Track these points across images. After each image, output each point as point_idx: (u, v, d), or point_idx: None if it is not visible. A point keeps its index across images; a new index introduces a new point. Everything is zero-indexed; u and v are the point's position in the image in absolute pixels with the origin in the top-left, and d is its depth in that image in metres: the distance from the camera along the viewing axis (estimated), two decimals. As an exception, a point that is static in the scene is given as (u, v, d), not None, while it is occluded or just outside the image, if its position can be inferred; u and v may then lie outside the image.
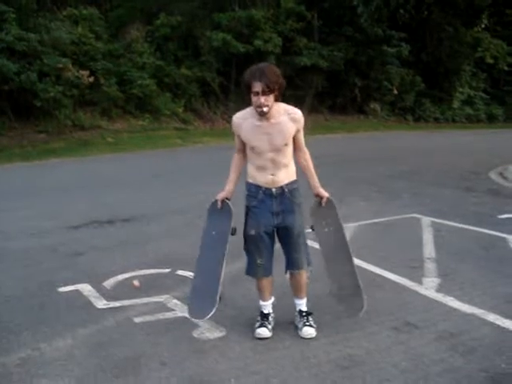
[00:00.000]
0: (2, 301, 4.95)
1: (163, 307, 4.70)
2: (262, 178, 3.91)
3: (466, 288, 5.02)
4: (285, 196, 3.92)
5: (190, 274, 5.43)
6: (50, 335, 4.16)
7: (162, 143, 19.88)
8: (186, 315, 4.46)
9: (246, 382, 3.43)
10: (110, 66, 21.05)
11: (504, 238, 6.71)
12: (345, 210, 8.27)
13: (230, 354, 3.79)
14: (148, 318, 4.49)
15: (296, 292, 4.18)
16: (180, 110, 23.14)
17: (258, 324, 4.08)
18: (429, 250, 6.27)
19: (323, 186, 4.11)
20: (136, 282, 5.30)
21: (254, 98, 3.67)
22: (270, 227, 3.96)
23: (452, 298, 4.77)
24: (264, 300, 4.16)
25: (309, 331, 4.00)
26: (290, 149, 3.91)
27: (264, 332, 4.01)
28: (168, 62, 23.36)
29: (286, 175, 3.92)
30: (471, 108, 32.43)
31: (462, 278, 5.32)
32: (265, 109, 3.67)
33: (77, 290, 5.15)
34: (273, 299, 4.21)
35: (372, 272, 5.54)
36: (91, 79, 19.98)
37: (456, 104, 31.45)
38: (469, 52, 29.47)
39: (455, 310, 4.56)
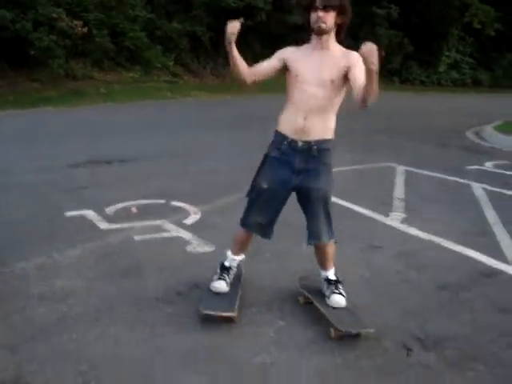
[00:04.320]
0: (12, 223, 5.51)
1: (159, 229, 5.32)
2: (291, 123, 3.38)
3: (427, 221, 5.69)
4: (311, 154, 3.37)
5: (182, 205, 6.09)
6: (61, 247, 4.76)
7: (153, 95, 20.24)
8: (180, 235, 5.13)
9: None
10: (103, 17, 21.19)
11: (468, 185, 7.39)
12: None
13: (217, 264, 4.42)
14: (146, 236, 5.11)
15: (320, 263, 3.74)
16: (170, 64, 23.43)
17: (215, 276, 3.78)
18: (399, 191, 6.94)
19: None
20: (134, 209, 5.90)
21: (312, 15, 3.28)
22: (287, 187, 3.46)
23: (413, 229, 5.46)
24: (235, 253, 3.82)
25: (337, 299, 3.56)
26: (335, 96, 3.36)
27: (221, 286, 3.69)
28: (159, 15, 23.53)
29: (320, 127, 3.36)
30: (457, 72, 32.94)
31: (425, 214, 6.00)
32: (322, 25, 3.24)
33: (82, 215, 5.74)
34: (243, 257, 3.87)
35: (346, 207, 6.18)
36: (84, 30, 20.16)
37: (442, 68, 31.93)
38: (457, 16, 29.79)
39: (415, 236, 5.25)
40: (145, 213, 5.84)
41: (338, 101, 3.41)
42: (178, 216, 5.72)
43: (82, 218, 5.67)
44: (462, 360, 3.14)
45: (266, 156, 3.52)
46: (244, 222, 3.66)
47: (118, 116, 15.58)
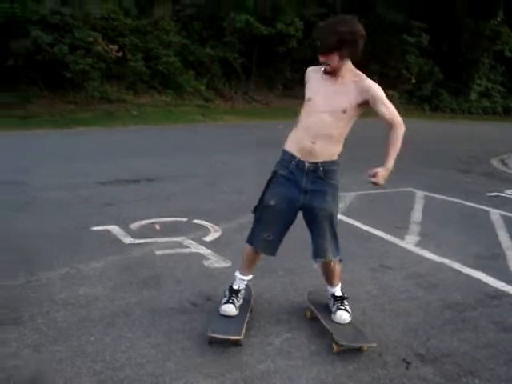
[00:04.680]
0: (41, 235, 5.81)
1: (180, 245, 5.56)
2: (300, 144, 3.48)
3: (441, 245, 5.82)
4: (317, 174, 3.46)
5: (203, 223, 6.32)
6: (85, 259, 5.03)
7: (184, 118, 20.70)
8: (199, 251, 5.35)
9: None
10: (138, 42, 21.89)
11: (486, 211, 7.48)
12: (348, 182, 9.16)
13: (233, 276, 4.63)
14: (167, 251, 5.35)
15: (326, 280, 3.85)
16: (202, 88, 23.94)
17: (224, 299, 3.80)
18: (416, 216, 7.07)
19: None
20: (157, 226, 6.16)
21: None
22: (294, 205, 3.54)
23: (426, 251, 5.59)
24: (243, 274, 3.87)
25: (341, 315, 3.68)
26: (345, 124, 3.47)
27: (230, 310, 3.71)
28: (193, 40, 24.12)
29: (326, 151, 3.45)
30: (488, 100, 32.80)
31: (440, 238, 6.12)
32: (327, 68, 3.37)
33: (107, 230, 6.01)
34: (251, 277, 3.93)
35: (362, 229, 6.36)
36: (119, 54, 20.82)
37: (473, 96, 31.86)
38: (488, 45, 29.81)
39: (427, 259, 5.38)
40: (167, 230, 6.08)
41: (347, 129, 3.50)
42: (198, 233, 5.95)
43: (108, 232, 5.94)
44: (459, 374, 3.27)
45: (275, 173, 3.60)
46: (250, 239, 3.72)
47: (149, 138, 15.99)
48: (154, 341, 3.52)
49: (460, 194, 8.53)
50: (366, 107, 3.44)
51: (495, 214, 7.24)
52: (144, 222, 6.32)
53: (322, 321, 3.72)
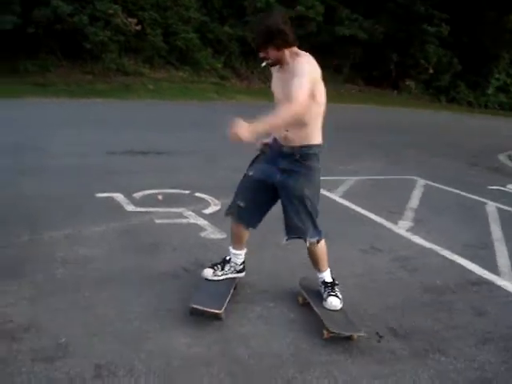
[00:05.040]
0: (48, 199, 6.06)
1: (179, 215, 5.79)
2: (277, 133, 3.65)
3: (432, 232, 5.98)
4: (294, 158, 3.60)
5: (205, 196, 6.54)
6: (87, 223, 5.27)
7: (199, 95, 20.86)
8: (197, 222, 5.57)
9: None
10: (157, 17, 22.01)
11: (484, 203, 7.63)
12: (352, 167, 9.36)
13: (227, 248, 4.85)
14: (166, 220, 5.58)
15: (313, 265, 3.94)
16: (219, 66, 24.06)
17: (209, 264, 4.07)
18: (413, 202, 7.24)
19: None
20: (160, 196, 6.39)
21: None
22: (270, 179, 3.69)
23: (417, 237, 5.76)
24: (233, 247, 4.06)
25: (333, 302, 3.75)
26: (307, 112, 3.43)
27: (208, 273, 3.99)
28: (212, 18, 24.20)
29: (301, 136, 3.54)
30: (506, 96, 32.62)
31: (432, 225, 6.29)
32: (267, 61, 3.49)
33: (111, 197, 6.26)
34: (243, 251, 4.08)
35: (358, 212, 6.56)
36: (138, 27, 20.97)
37: (491, 90, 31.69)
38: (510, 39, 29.54)
39: (417, 244, 5.56)
40: (169, 200, 6.31)
41: (313, 111, 3.48)
42: (198, 206, 6.17)
43: (111, 199, 6.18)
44: (427, 350, 3.46)
45: (261, 151, 3.84)
46: (227, 209, 3.94)
47: (163, 112, 16.20)
48: (144, 300, 3.76)
49: (461, 185, 8.65)
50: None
51: (491, 207, 7.38)
52: (147, 192, 6.55)
53: (314, 307, 3.77)
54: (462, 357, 3.43)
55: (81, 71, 20.53)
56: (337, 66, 25.98)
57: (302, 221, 3.69)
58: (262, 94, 22.89)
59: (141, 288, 3.96)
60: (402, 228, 6.05)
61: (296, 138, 3.56)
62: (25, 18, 18.59)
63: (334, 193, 7.38)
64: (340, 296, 3.82)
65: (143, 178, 7.33)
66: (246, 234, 3.97)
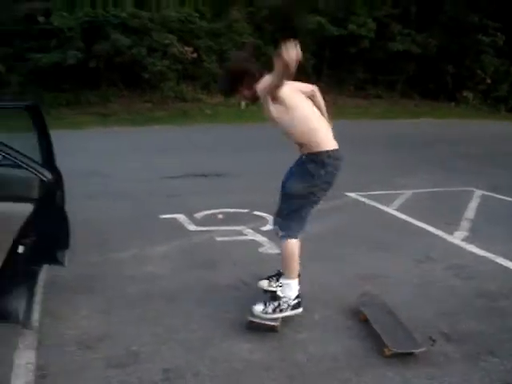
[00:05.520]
0: (113, 222, 6.47)
1: (239, 233, 6.07)
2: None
3: (488, 241, 5.99)
4: (301, 160, 3.76)
5: (263, 214, 6.79)
6: (151, 243, 5.62)
7: (255, 118, 21.20)
8: (255, 239, 5.83)
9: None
10: (212, 44, 22.67)
11: (542, 211, 7.56)
12: (408, 180, 9.43)
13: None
14: (226, 238, 5.87)
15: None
16: (274, 88, 24.42)
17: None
18: (470, 213, 7.26)
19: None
20: (220, 216, 6.70)
21: None
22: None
23: (473, 246, 5.82)
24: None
25: (255, 308, 3.77)
26: (291, 124, 3.66)
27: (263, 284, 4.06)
28: (265, 41, 24.65)
29: (303, 147, 3.71)
30: None
31: (488, 235, 6.30)
32: (247, 101, 3.86)
33: (173, 218, 6.61)
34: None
35: (413, 224, 6.66)
36: (194, 55, 21.66)
37: (552, 97, 30.81)
38: None
39: (471, 253, 5.63)
40: (229, 219, 6.60)
41: (300, 125, 3.65)
42: (257, 223, 6.43)
43: (174, 220, 6.53)
44: (478, 353, 3.56)
45: None
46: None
47: (220, 136, 16.63)
48: (206, 311, 4.03)
49: (521, 195, 8.58)
50: (278, 97, 3.52)
51: (550, 215, 7.32)
52: (208, 212, 6.86)
53: (373, 324, 3.77)
54: (514, 358, 3.52)
55: (140, 100, 21.33)
56: (391, 82, 25.95)
57: (281, 215, 3.84)
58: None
59: (204, 300, 4.23)
60: (457, 238, 6.11)
61: (302, 150, 3.72)
62: (87, 52, 19.54)
63: (390, 206, 7.50)
64: (271, 315, 3.72)
65: (204, 199, 7.65)
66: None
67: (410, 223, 6.70)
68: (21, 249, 3.09)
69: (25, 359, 3.37)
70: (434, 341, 3.71)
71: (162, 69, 20.42)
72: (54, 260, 4.05)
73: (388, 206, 7.48)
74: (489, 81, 27.61)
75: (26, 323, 3.39)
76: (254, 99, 3.69)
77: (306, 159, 3.68)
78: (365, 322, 3.91)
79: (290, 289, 3.78)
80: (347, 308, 4.19)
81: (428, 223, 6.63)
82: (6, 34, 20.15)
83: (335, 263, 5.17)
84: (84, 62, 19.56)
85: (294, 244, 3.77)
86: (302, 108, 3.71)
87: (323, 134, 3.73)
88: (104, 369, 3.28)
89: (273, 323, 3.76)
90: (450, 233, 6.29)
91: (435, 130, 20.19)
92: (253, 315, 3.78)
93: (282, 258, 3.86)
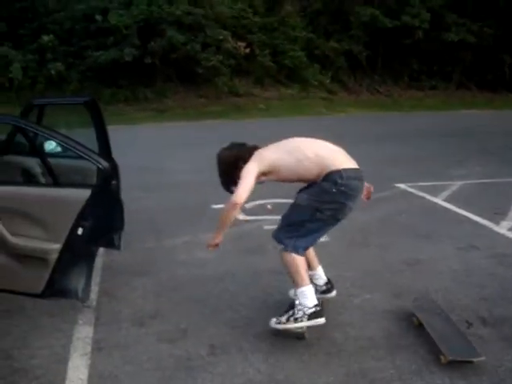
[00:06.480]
0: (169, 211, 6.79)
1: (286, 222, 6.26)
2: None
3: (535, 231, 6.04)
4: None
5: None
6: (202, 231, 5.83)
7: (308, 111, 21.35)
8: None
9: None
10: (265, 39, 22.88)
11: None
12: (460, 171, 9.40)
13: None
14: (273, 226, 6.02)
15: None
16: (327, 81, 24.49)
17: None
18: (519, 204, 7.24)
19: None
20: (269, 206, 6.91)
21: None
22: None
23: (519, 235, 5.86)
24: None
25: (272, 322, 3.66)
26: (279, 177, 4.00)
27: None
28: (318, 35, 24.71)
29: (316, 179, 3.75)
30: None
31: (536, 225, 6.32)
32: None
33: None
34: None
35: (460, 214, 6.72)
36: (247, 50, 21.93)
37: None
38: None
39: (517, 242, 5.67)
40: (277, 210, 6.77)
41: (282, 172, 3.94)
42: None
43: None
44: (514, 336, 3.69)
45: None
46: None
47: (274, 129, 16.74)
48: (251, 294, 4.27)
49: None
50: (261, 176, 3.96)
51: None
52: (258, 202, 7.08)
53: (428, 330, 3.65)
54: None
55: (195, 95, 21.74)
56: (447, 73, 25.55)
57: (281, 224, 3.89)
58: (371, 105, 23.08)
59: (249, 283, 4.48)
60: (503, 228, 6.14)
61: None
62: (143, 49, 20.08)
63: (439, 197, 7.55)
64: (284, 325, 3.60)
65: (254, 189, 7.85)
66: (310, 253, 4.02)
67: (457, 213, 6.75)
68: (80, 231, 3.38)
69: (83, 333, 3.70)
70: (470, 324, 3.84)
71: (216, 64, 20.76)
72: (111, 244, 4.38)
73: (436, 197, 7.53)
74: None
75: (84, 300, 3.71)
76: (259, 182, 3.92)
77: (320, 180, 3.68)
78: (419, 326, 3.76)
79: (303, 296, 3.60)
80: (387, 292, 4.35)
81: (475, 213, 6.66)
82: (66, 33, 20.96)
83: (379, 250, 5.34)
84: (140, 58, 20.08)
85: (288, 256, 3.69)
86: (287, 152, 4.00)
87: (330, 158, 3.79)
88: (155, 343, 3.57)
89: (298, 330, 3.63)
90: (497, 223, 6.32)
91: (491, 121, 19.83)
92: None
93: (285, 267, 3.76)
